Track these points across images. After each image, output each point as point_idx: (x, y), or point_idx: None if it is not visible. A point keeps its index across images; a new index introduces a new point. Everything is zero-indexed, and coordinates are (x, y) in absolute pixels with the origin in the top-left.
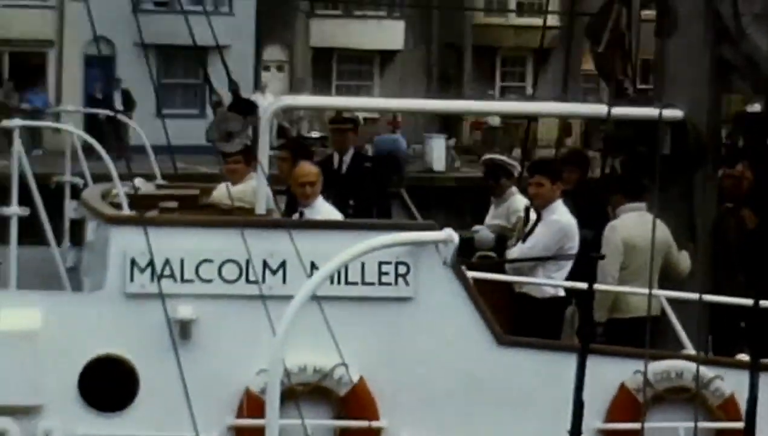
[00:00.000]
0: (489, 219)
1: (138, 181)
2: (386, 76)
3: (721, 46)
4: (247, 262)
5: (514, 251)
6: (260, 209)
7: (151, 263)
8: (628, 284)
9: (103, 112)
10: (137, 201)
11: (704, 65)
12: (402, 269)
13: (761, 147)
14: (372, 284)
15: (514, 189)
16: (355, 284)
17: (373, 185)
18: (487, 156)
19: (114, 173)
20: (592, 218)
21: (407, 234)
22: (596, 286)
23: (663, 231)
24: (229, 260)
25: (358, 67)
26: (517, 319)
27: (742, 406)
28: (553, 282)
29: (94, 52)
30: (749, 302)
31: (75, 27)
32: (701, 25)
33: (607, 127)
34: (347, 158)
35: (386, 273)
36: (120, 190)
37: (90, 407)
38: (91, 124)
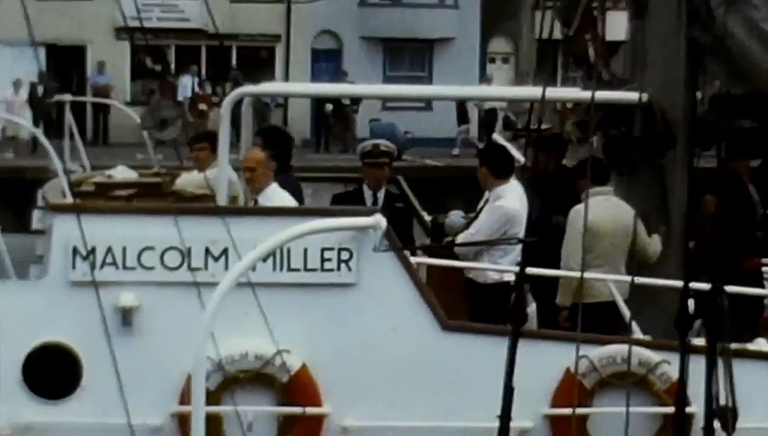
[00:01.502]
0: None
1: (117, 170)
2: (611, 66)
3: (693, 28)
4: (189, 249)
5: (460, 237)
6: (221, 197)
7: (92, 251)
8: (592, 268)
9: (95, 100)
10: (98, 190)
11: (677, 48)
12: (345, 255)
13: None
14: (314, 270)
15: None
16: (298, 270)
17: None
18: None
19: (57, 162)
20: (565, 202)
21: (332, 220)
22: (529, 270)
23: (628, 214)
24: (171, 248)
25: None
26: (468, 304)
27: (691, 390)
28: (491, 267)
29: (321, 46)
30: (679, 284)
31: (303, 21)
32: (673, 7)
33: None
34: (381, 195)
35: (329, 259)
36: (63, 179)
37: (34, 394)
38: (319, 117)
